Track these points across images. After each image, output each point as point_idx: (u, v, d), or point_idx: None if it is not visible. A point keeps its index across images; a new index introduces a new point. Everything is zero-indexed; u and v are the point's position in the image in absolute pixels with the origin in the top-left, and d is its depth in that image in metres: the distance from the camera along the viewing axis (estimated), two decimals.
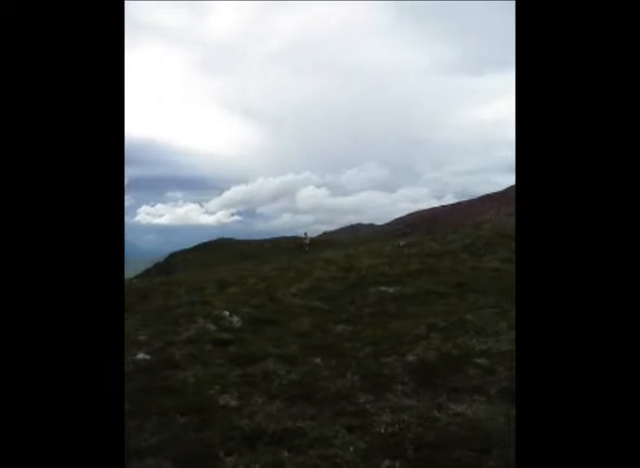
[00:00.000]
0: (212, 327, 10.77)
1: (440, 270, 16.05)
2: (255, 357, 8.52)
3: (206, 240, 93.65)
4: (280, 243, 77.01)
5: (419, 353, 8.12)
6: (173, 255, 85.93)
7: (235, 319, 11.34)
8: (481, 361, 7.40)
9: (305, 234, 46.44)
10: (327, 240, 76.80)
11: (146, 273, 72.18)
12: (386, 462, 4.83)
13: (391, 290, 13.68)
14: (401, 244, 25.60)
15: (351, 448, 5.13)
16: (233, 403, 6.55)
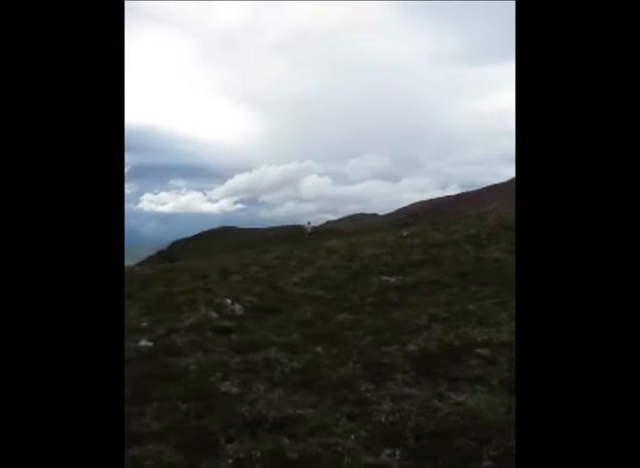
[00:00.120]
0: (214, 314, 10.79)
1: (443, 260, 16.03)
2: (256, 345, 8.54)
3: (209, 228, 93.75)
4: (283, 231, 77.05)
5: (420, 343, 8.13)
6: (175, 243, 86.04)
7: (237, 307, 11.35)
8: (482, 351, 7.40)
9: (309, 223, 46.55)
10: (330, 229, 76.81)
11: (149, 260, 72.33)
12: (387, 451, 4.84)
13: (393, 279, 13.68)
14: (404, 234, 25.58)
15: (352, 437, 5.15)
16: (235, 390, 6.57)
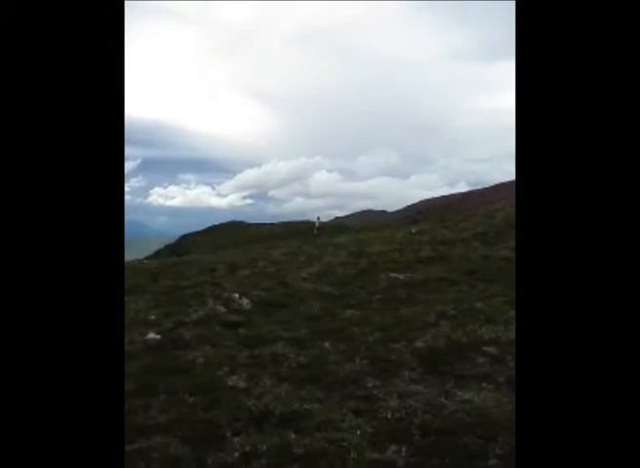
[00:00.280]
0: (222, 308, 10.82)
1: (451, 258, 16.02)
2: (264, 339, 8.56)
3: (217, 222, 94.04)
4: (291, 227, 77.11)
5: (427, 340, 8.12)
6: (184, 237, 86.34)
7: (245, 301, 11.38)
8: (490, 349, 7.38)
9: (318, 218, 46.63)
10: (338, 225, 76.80)
11: (157, 254, 72.59)
12: (393, 447, 4.84)
13: (402, 276, 13.68)
14: (413, 231, 25.56)
15: (358, 432, 5.15)
16: (242, 384, 6.58)
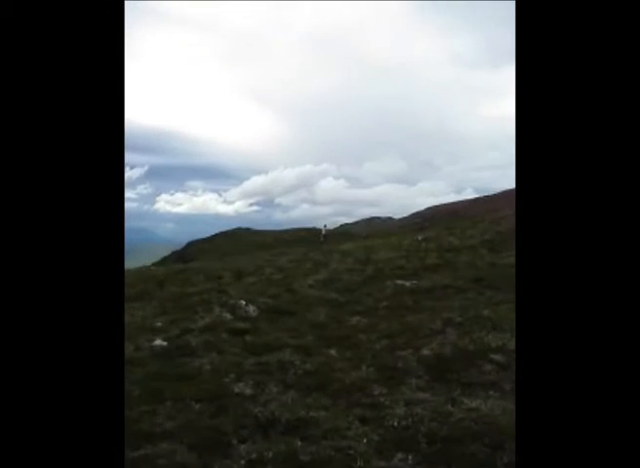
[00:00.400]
0: (228, 315, 10.83)
1: (457, 265, 15.99)
2: (270, 346, 8.55)
3: (224, 229, 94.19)
4: (298, 234, 77.13)
5: (434, 347, 8.10)
6: (190, 244, 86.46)
7: (251, 308, 11.39)
8: (496, 356, 7.36)
9: (325, 226, 46.82)
10: (345, 232, 76.78)
11: (164, 261, 72.71)
12: (399, 455, 4.82)
13: (408, 283, 13.66)
14: (419, 238, 25.54)
15: (364, 440, 5.13)
16: (248, 391, 6.58)
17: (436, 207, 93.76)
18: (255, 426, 5.51)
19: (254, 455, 4.90)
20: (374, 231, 75.00)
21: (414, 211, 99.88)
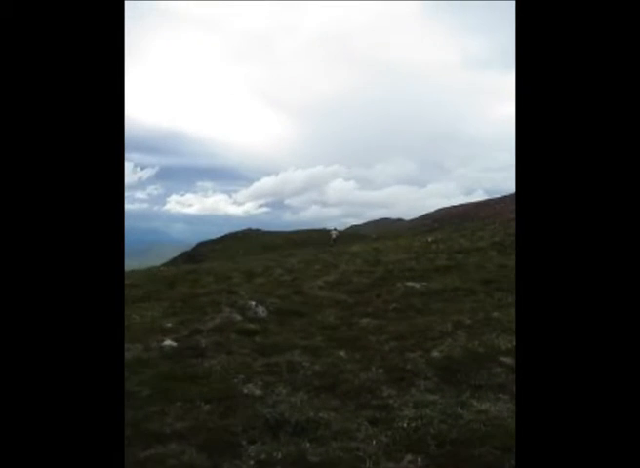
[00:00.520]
0: (237, 316, 10.84)
1: (467, 267, 15.96)
2: (279, 347, 8.56)
3: (234, 230, 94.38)
4: (307, 235, 77.17)
5: (443, 349, 8.08)
6: (200, 245, 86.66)
7: (261, 309, 11.40)
8: (506, 359, 7.33)
9: (335, 229, 47.20)
10: (355, 233, 76.74)
11: (174, 261, 72.92)
12: (408, 457, 4.82)
13: (418, 285, 13.64)
14: (429, 239, 25.51)
15: (374, 442, 5.13)
16: (257, 392, 6.59)
17: (446, 208, 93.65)
18: (264, 427, 5.52)
19: (263, 456, 4.91)
20: (384, 233, 74.95)
21: (424, 212, 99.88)
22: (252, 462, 4.83)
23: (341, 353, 8.23)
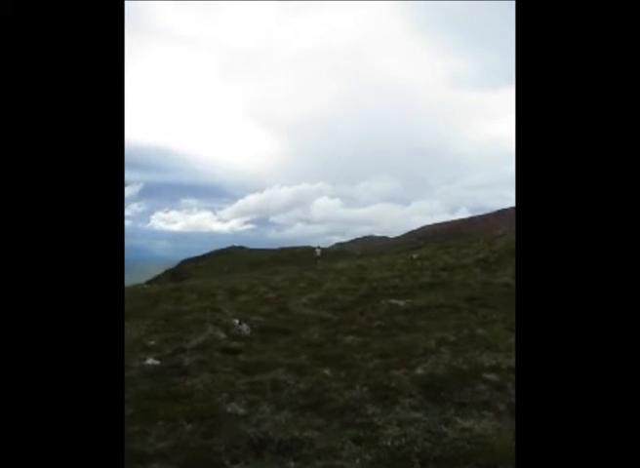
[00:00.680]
0: (221, 334, 10.78)
1: (452, 284, 15.99)
2: (264, 366, 8.51)
3: (218, 248, 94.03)
4: (292, 252, 77.03)
5: (428, 367, 8.08)
6: (185, 262, 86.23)
7: (245, 327, 11.35)
8: (490, 376, 7.35)
9: (318, 247, 47.51)
10: (339, 251, 76.73)
11: (158, 278, 72.42)
12: None
13: (402, 302, 13.64)
14: (414, 256, 25.57)
15: (358, 461, 5.11)
16: (241, 411, 6.54)
17: (431, 226, 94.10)
18: (247, 446, 5.48)
19: None
20: (368, 250, 75.05)
21: (408, 230, 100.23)
22: None
23: (326, 371, 8.20)
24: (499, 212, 75.00)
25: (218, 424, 6.08)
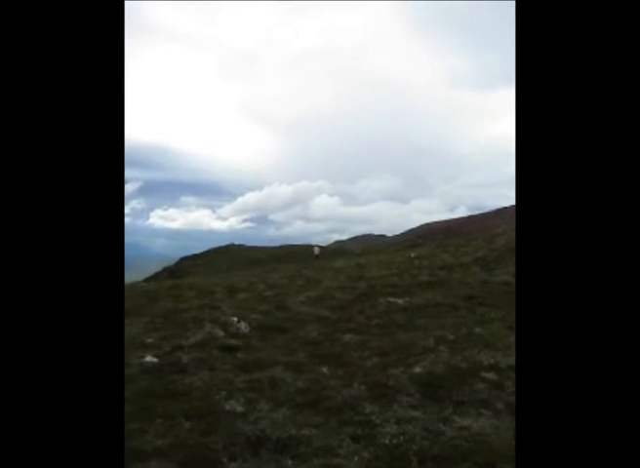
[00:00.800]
0: (220, 332, 10.77)
1: (450, 282, 16.00)
2: (262, 364, 8.51)
3: (217, 245, 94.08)
4: (291, 250, 77.07)
5: (426, 365, 8.08)
6: (183, 260, 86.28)
7: (243, 325, 11.34)
8: (489, 375, 7.36)
9: (317, 245, 47.72)
10: (338, 249, 76.77)
11: (156, 276, 72.43)
12: None
13: (400, 301, 13.65)
14: (412, 255, 25.59)
15: (355, 458, 5.11)
16: (239, 408, 6.54)
17: (430, 224, 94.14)
18: (245, 444, 5.48)
19: None
20: (367, 248, 75.10)
21: (407, 228, 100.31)
22: None
23: (324, 369, 8.20)
24: (497, 210, 75.10)
25: (216, 422, 6.08)
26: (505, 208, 72.76)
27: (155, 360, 8.77)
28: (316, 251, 45.85)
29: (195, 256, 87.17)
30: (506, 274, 16.03)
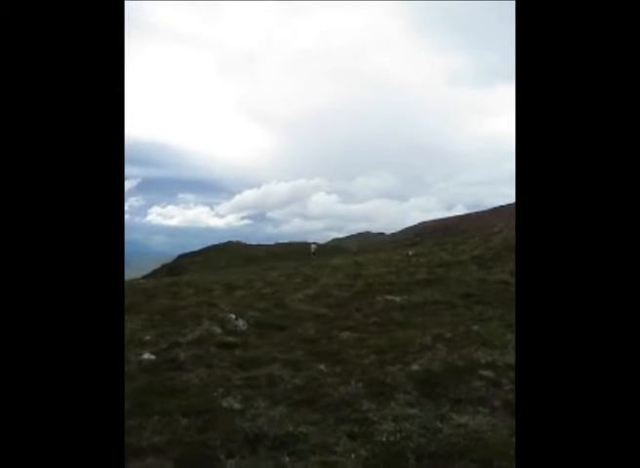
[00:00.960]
0: (217, 329, 10.77)
1: (448, 280, 16.01)
2: (259, 361, 8.52)
3: (215, 243, 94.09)
4: (289, 248, 77.09)
5: (423, 363, 8.10)
6: (181, 257, 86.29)
7: (241, 322, 11.34)
8: (486, 373, 7.37)
9: (314, 243, 47.74)
10: (336, 247, 76.82)
11: (154, 273, 72.42)
12: None
13: (398, 298, 13.65)
14: (410, 253, 25.59)
15: (352, 456, 5.12)
16: (236, 406, 6.55)
17: (427, 222, 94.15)
18: (243, 441, 5.48)
19: None
20: (365, 246, 75.12)
21: (405, 226, 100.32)
22: None
23: (321, 367, 8.20)
24: (495, 209, 75.14)
25: (213, 419, 6.08)
26: (503, 206, 72.80)
27: (153, 357, 8.78)
28: (312, 248, 45.86)
29: (193, 254, 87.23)
30: (503, 272, 16.04)
